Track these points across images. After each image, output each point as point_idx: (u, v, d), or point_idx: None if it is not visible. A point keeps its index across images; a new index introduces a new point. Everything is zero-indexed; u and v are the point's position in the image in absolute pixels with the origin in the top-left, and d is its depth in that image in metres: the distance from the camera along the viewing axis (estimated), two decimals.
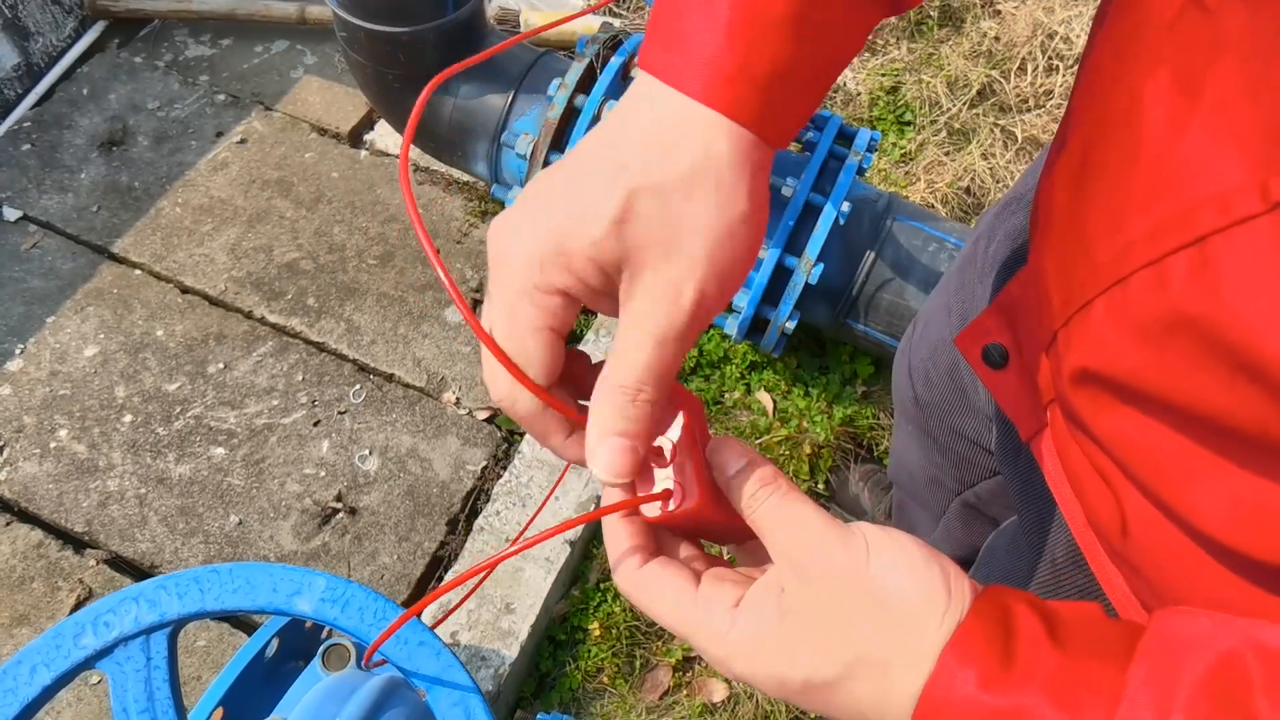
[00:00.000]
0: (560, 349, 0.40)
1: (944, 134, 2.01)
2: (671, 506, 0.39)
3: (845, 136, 1.46)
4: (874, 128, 2.05)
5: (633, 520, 0.41)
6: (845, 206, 1.37)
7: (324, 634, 1.10)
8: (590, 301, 0.40)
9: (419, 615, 0.59)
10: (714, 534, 0.43)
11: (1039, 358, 0.57)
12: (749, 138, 0.39)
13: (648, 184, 0.38)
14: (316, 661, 0.90)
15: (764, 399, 1.69)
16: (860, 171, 1.42)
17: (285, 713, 0.87)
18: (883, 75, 2.10)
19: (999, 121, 2.04)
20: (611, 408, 0.38)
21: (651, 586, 0.39)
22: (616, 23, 1.94)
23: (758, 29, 0.39)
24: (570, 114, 1.42)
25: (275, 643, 1.01)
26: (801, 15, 0.39)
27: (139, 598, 0.60)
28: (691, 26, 0.39)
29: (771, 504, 0.39)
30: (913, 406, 0.91)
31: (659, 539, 0.42)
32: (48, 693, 0.57)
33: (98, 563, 1.41)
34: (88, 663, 0.58)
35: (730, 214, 0.39)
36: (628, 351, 0.38)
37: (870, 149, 1.44)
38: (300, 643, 1.05)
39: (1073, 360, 0.47)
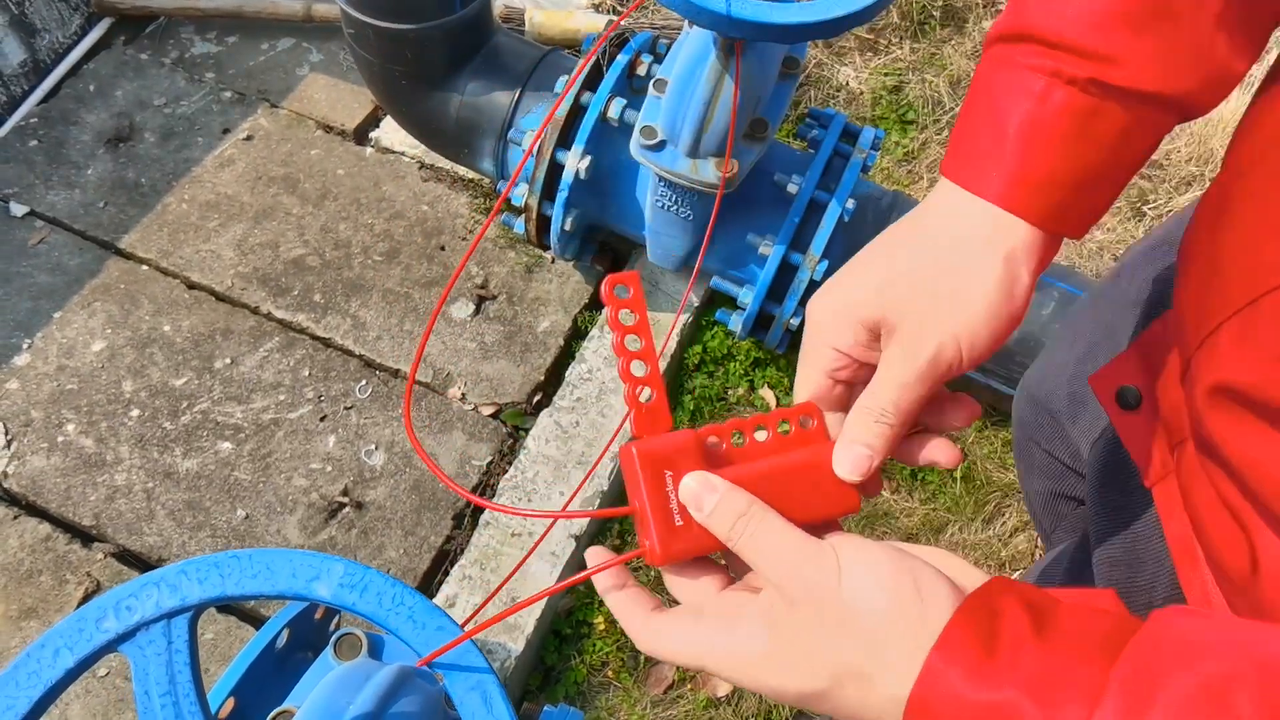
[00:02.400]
0: (827, 389, 0.52)
1: (946, 133, 2.01)
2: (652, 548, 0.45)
3: (850, 135, 1.47)
4: (877, 126, 2.06)
5: (623, 592, 0.47)
6: (850, 204, 1.38)
7: (333, 625, 1.11)
8: (863, 356, 0.51)
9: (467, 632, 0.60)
10: (711, 550, 0.46)
11: (1172, 393, 0.59)
12: (1024, 233, 0.50)
13: (915, 262, 0.50)
14: (328, 651, 0.91)
15: (767, 395, 1.70)
16: (865, 169, 1.43)
17: (297, 703, 0.87)
18: (886, 75, 2.11)
19: None
20: (859, 424, 0.49)
21: (660, 638, 0.44)
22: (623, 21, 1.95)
23: (1038, 145, 0.49)
24: (576, 111, 1.43)
25: (286, 634, 1.02)
26: (1082, 130, 0.49)
27: (160, 583, 0.60)
28: (982, 143, 0.51)
29: (749, 535, 0.43)
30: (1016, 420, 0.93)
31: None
32: (71, 675, 0.58)
33: (105, 556, 1.41)
34: (110, 646, 0.59)
35: (989, 296, 0.49)
36: (877, 385, 0.49)
37: (875, 147, 1.45)
38: (310, 634, 1.06)
39: (1207, 379, 0.48)
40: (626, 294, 0.47)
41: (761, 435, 0.48)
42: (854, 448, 0.49)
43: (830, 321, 0.51)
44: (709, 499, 0.44)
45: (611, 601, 0.47)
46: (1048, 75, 0.50)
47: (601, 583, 0.47)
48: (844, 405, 0.53)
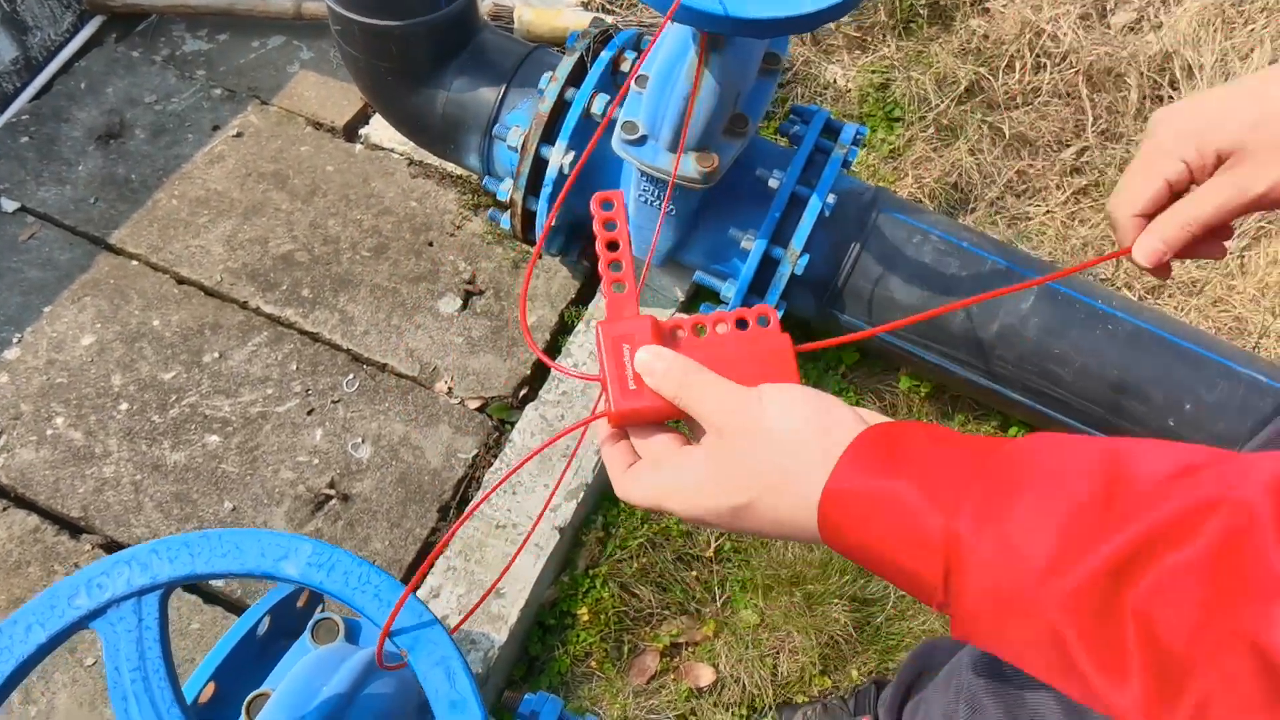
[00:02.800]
0: (1164, 194, 0.62)
1: (932, 130, 2.03)
2: (603, 408, 0.56)
3: (832, 130, 1.48)
4: (863, 123, 2.08)
5: (615, 446, 0.56)
6: (830, 199, 1.39)
7: (316, 612, 1.12)
8: (1202, 176, 0.61)
9: (415, 591, 0.61)
10: (670, 417, 0.55)
11: None
12: None
13: None
14: (305, 636, 0.92)
15: None
16: (846, 165, 1.44)
17: (274, 686, 0.89)
18: (873, 72, 2.12)
19: (987, 118, 2.06)
20: (1169, 225, 0.61)
21: (630, 482, 0.54)
22: (608, 19, 1.97)
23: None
24: (560, 107, 1.45)
25: (267, 621, 1.03)
26: None
27: (131, 561, 0.62)
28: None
29: (691, 390, 0.52)
30: None
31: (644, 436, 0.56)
32: (42, 650, 0.59)
33: (93, 548, 1.43)
34: (81, 623, 0.60)
35: None
36: (1200, 200, 0.59)
37: (856, 143, 1.46)
38: (292, 622, 1.08)
39: None
40: (610, 208, 0.58)
41: (723, 329, 0.56)
42: (1154, 242, 0.61)
43: (1191, 140, 0.60)
44: (659, 365, 0.53)
45: (605, 452, 0.57)
46: None
47: (602, 434, 0.57)
48: (1159, 208, 0.63)
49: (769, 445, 0.49)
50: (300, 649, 0.92)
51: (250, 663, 1.01)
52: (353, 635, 0.94)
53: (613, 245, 0.58)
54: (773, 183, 1.40)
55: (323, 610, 1.06)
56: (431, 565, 1.39)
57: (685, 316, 0.57)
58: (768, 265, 1.43)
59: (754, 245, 1.41)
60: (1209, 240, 0.63)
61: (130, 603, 0.61)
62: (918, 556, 0.43)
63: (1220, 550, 0.34)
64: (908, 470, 0.44)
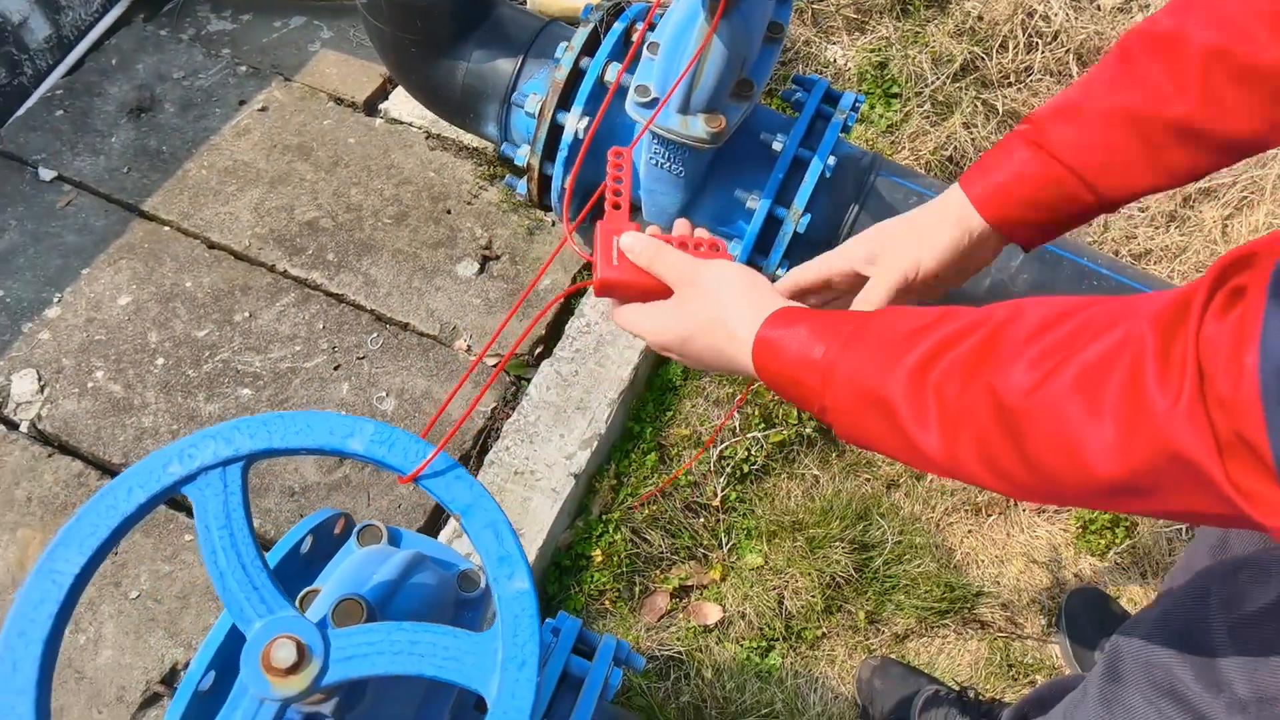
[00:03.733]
0: (833, 276, 0.90)
1: (928, 105, 2.11)
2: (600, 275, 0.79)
3: (831, 98, 1.57)
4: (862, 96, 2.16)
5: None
6: (831, 160, 1.47)
7: (356, 529, 1.20)
8: (862, 269, 0.88)
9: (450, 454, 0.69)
10: (636, 290, 0.79)
11: None
12: (980, 223, 0.83)
13: (904, 221, 0.88)
14: (352, 540, 1.00)
15: None
16: (845, 129, 1.52)
17: (322, 584, 0.97)
18: (871, 51, 2.21)
19: (980, 95, 2.15)
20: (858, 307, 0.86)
21: (627, 314, 0.79)
22: None
23: (1012, 182, 0.81)
24: (576, 75, 1.53)
25: (310, 540, 1.11)
26: (1040, 183, 0.81)
27: (216, 436, 0.70)
28: (985, 167, 0.83)
29: (659, 259, 0.76)
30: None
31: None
32: (143, 509, 0.68)
33: None
34: (175, 486, 0.69)
35: (943, 241, 0.84)
36: (870, 288, 0.85)
37: (854, 109, 1.54)
38: (329, 547, 1.16)
39: None
40: (619, 158, 0.88)
41: (701, 250, 0.79)
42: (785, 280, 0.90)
43: (850, 250, 0.88)
44: (638, 244, 0.77)
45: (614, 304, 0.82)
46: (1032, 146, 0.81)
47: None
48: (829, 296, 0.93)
49: (710, 297, 0.72)
50: (346, 552, 1.01)
51: (294, 579, 1.09)
52: (394, 541, 1.02)
53: (618, 180, 0.85)
54: (776, 145, 1.48)
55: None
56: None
57: (674, 237, 0.80)
58: (771, 225, 1.52)
59: (759, 205, 1.49)
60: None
61: (217, 471, 0.69)
62: (809, 373, 0.65)
63: (983, 341, 0.54)
64: (808, 323, 0.66)
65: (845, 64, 2.21)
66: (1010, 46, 2.21)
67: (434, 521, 1.54)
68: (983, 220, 0.83)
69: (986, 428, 0.52)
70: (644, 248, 0.77)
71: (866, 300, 0.85)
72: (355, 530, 1.00)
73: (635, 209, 1.66)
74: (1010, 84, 2.19)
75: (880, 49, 2.21)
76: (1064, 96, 0.82)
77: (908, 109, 2.11)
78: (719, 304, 0.72)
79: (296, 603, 0.96)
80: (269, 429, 0.71)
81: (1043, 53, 2.19)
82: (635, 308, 0.78)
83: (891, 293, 0.85)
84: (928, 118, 2.09)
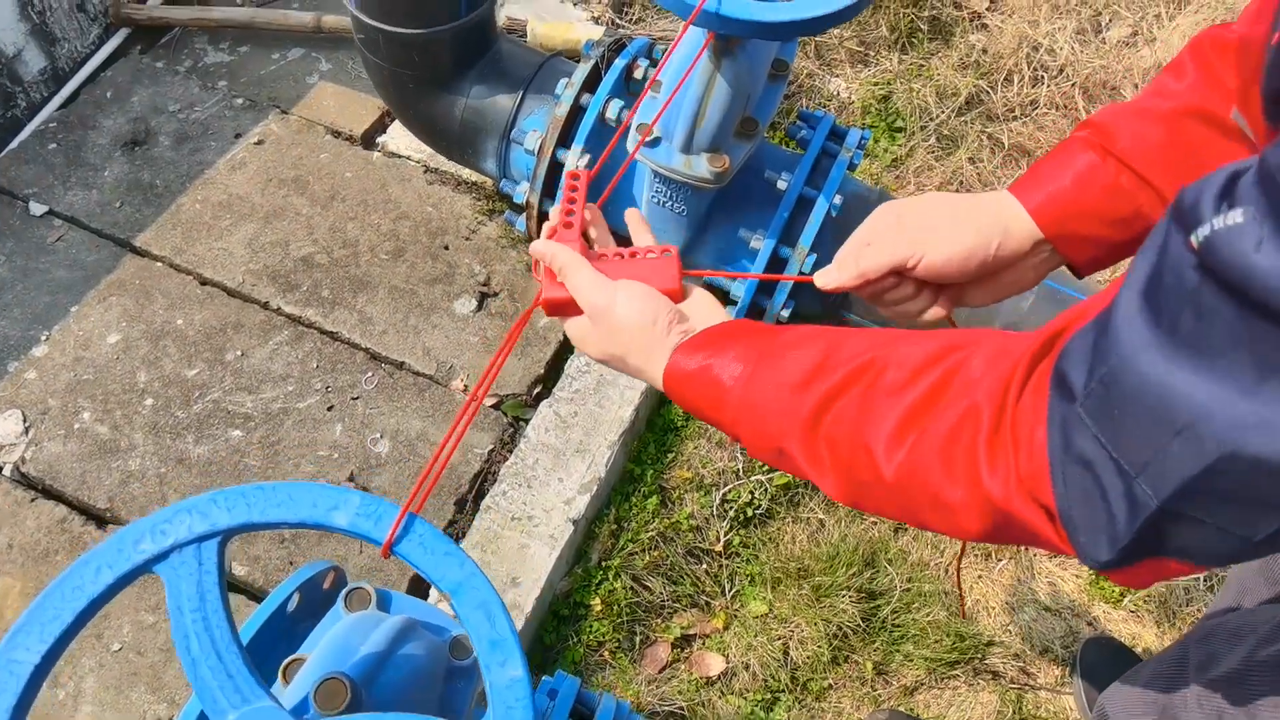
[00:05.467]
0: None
1: (933, 140, 2.09)
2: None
3: (837, 135, 1.54)
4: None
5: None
6: (837, 199, 1.44)
7: (344, 591, 1.16)
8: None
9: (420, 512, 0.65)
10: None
11: None
12: (1026, 230, 0.76)
13: (942, 203, 0.80)
14: (339, 604, 0.95)
15: None
16: (851, 167, 1.49)
17: (308, 651, 0.92)
18: (875, 85, 2.18)
19: (986, 129, 2.12)
20: (842, 260, 0.82)
21: (569, 326, 0.78)
22: (619, 31, 2.03)
23: (1076, 187, 0.75)
24: (576, 112, 1.50)
25: (297, 597, 1.07)
26: (1109, 191, 0.75)
27: (192, 510, 0.66)
28: (1042, 174, 0.78)
29: (568, 274, 0.75)
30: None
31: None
32: (110, 590, 0.63)
33: None
34: (146, 566, 0.64)
35: (964, 240, 0.77)
36: (866, 252, 0.80)
37: (860, 146, 1.51)
38: (319, 602, 1.11)
39: None
40: (577, 180, 0.84)
41: (636, 256, 0.77)
42: (830, 272, 0.81)
43: (867, 225, 0.82)
44: (549, 251, 0.76)
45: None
46: (1100, 151, 0.74)
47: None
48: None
49: (615, 326, 0.72)
50: (334, 616, 0.96)
51: (279, 639, 1.05)
52: (384, 604, 0.97)
53: (572, 200, 0.82)
54: (781, 184, 1.45)
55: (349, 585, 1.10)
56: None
57: (611, 249, 0.80)
58: (776, 264, 1.48)
59: (763, 245, 1.46)
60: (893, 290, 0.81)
61: (191, 548, 0.65)
62: (718, 411, 0.67)
63: (862, 396, 0.59)
64: (714, 355, 0.67)
65: (849, 97, 2.19)
66: (1015, 80, 2.18)
67: None
68: (1036, 231, 0.75)
69: (873, 486, 0.59)
70: (555, 256, 0.76)
71: (840, 269, 0.80)
72: (343, 593, 0.96)
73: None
74: (1015, 118, 2.16)
75: (884, 82, 2.19)
76: (1128, 103, 0.76)
77: (912, 143, 2.09)
78: (623, 329, 0.72)
79: (280, 672, 0.91)
80: (248, 501, 0.66)
81: (1048, 86, 2.17)
82: (574, 321, 0.78)
83: (880, 271, 0.78)
84: (932, 152, 2.07)
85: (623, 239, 0.84)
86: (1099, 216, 0.74)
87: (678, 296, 0.77)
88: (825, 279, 0.81)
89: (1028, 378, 0.52)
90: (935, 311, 0.81)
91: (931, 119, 2.10)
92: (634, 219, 0.85)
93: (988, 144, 2.10)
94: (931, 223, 0.77)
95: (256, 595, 1.45)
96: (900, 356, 0.59)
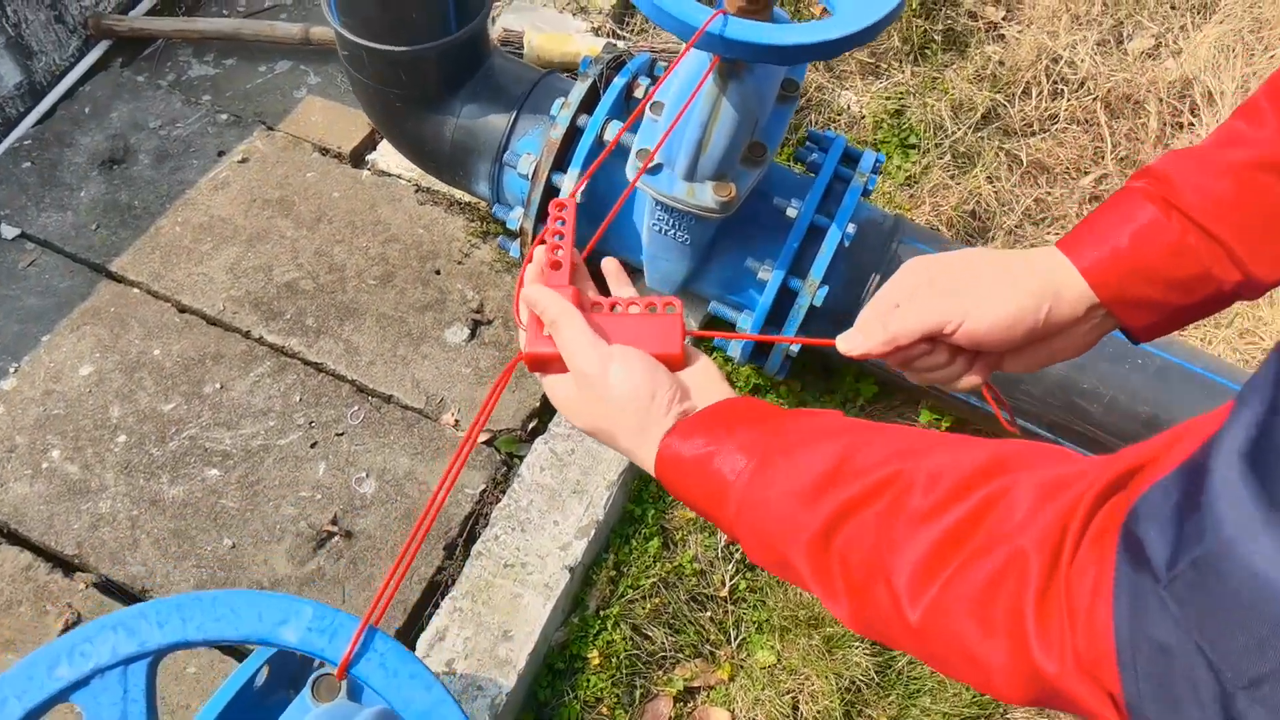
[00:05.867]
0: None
1: (949, 157, 2.00)
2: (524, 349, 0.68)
3: (850, 158, 1.45)
4: (878, 150, 2.04)
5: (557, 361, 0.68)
6: (850, 228, 1.35)
7: (316, 662, 1.07)
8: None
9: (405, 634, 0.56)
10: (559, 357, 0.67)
11: None
12: (1078, 291, 0.67)
13: (983, 259, 0.70)
14: (306, 692, 0.87)
15: None
16: (865, 193, 1.40)
17: None
18: (887, 98, 2.09)
19: (1004, 145, 2.03)
20: (867, 322, 0.71)
21: (548, 384, 0.67)
22: (620, 44, 1.94)
23: (1135, 245, 0.66)
24: (573, 134, 1.41)
25: (265, 671, 0.98)
26: (1173, 252, 0.65)
27: (118, 626, 0.57)
28: (1097, 230, 0.68)
29: (559, 330, 0.64)
30: None
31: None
32: None
33: (87, 586, 1.38)
34: (62, 695, 0.56)
35: (1009, 304, 0.68)
36: (898, 313, 0.69)
37: (875, 170, 1.42)
38: (291, 670, 1.03)
39: None
40: (563, 210, 0.72)
41: (635, 310, 0.66)
42: (855, 336, 0.70)
43: (899, 281, 0.71)
44: (540, 298, 0.65)
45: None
46: (1162, 204, 0.65)
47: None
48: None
49: (606, 398, 0.62)
50: (300, 707, 0.87)
51: (248, 714, 0.96)
52: (354, 693, 0.89)
53: (559, 236, 0.70)
54: (791, 212, 1.36)
55: (320, 662, 1.01)
56: (383, 604, 1.33)
57: (606, 299, 0.67)
58: (785, 296, 1.39)
59: (771, 276, 1.37)
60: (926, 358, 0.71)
61: (116, 672, 0.56)
62: (716, 508, 0.58)
63: (883, 516, 0.50)
64: (715, 442, 0.58)
65: (859, 111, 2.10)
66: (1034, 93, 2.09)
67: (415, 619, 1.41)
68: (1090, 294, 0.66)
69: (892, 623, 0.50)
70: (547, 307, 0.65)
71: (866, 333, 0.69)
72: (310, 680, 0.87)
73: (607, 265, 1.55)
74: (1034, 133, 2.07)
75: (897, 95, 2.10)
76: (1193, 149, 0.67)
77: (926, 160, 2.00)
78: (607, 416, 0.63)
79: None
80: (183, 615, 0.58)
81: (1068, 100, 2.08)
82: (558, 380, 0.67)
83: (913, 337, 0.68)
84: (948, 170, 1.97)
85: (630, 266, 0.74)
86: (1161, 279, 0.65)
87: (678, 362, 0.67)
88: (850, 344, 0.71)
89: (1087, 524, 0.43)
90: (970, 380, 0.72)
91: (947, 135, 2.01)
92: (612, 271, 0.72)
93: (1006, 161, 2.00)
94: (971, 283, 0.67)
95: (234, 650, 1.36)
96: (930, 473, 0.50)
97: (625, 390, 0.62)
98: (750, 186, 1.28)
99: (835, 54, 1.03)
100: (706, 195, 1.25)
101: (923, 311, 0.68)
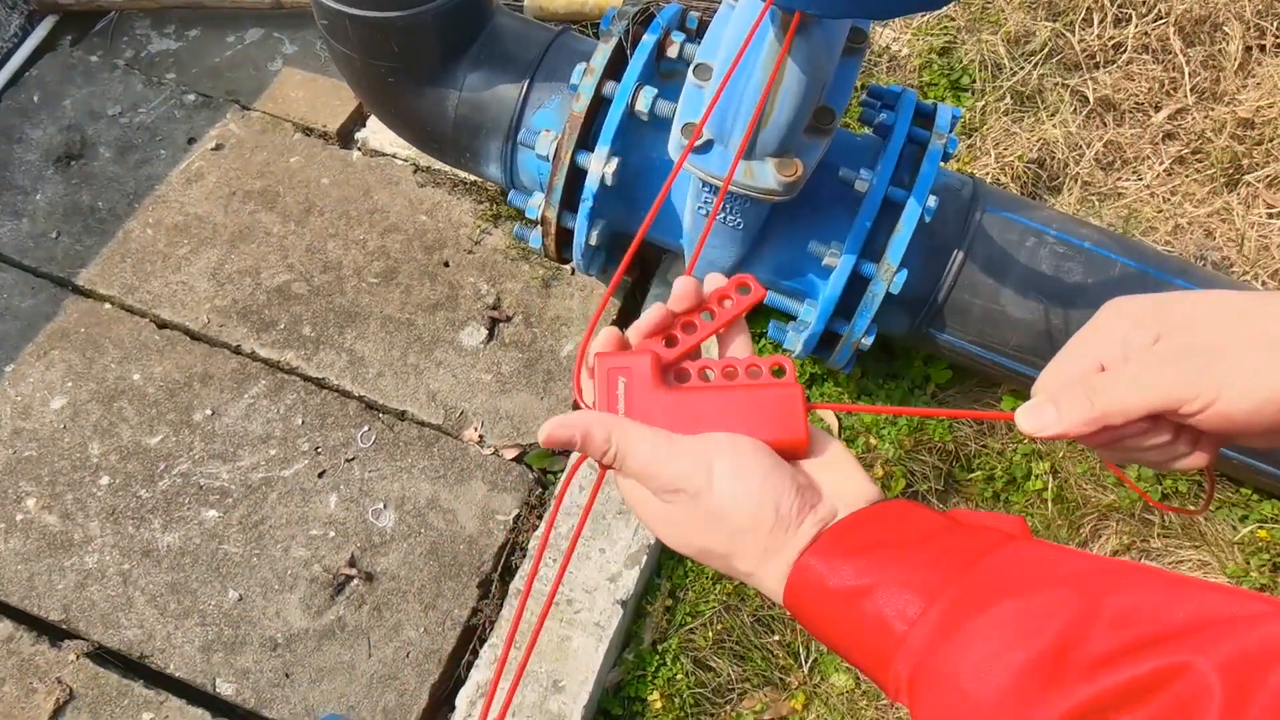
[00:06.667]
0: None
1: (1008, 100, 1.78)
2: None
3: (923, 115, 1.24)
4: (925, 95, 1.83)
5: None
6: (931, 201, 1.16)
7: None
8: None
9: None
10: None
11: None
12: None
13: (1250, 303, 0.49)
14: None
15: (828, 416, 1.49)
16: (944, 158, 1.20)
17: None
18: (932, 35, 1.87)
19: (1066, 81, 1.81)
20: (1072, 397, 0.51)
21: (625, 488, 0.52)
22: None
23: None
24: (598, 104, 1.21)
25: None
26: None
27: None
28: None
29: (633, 472, 0.49)
30: None
31: None
32: None
33: (78, 656, 1.21)
34: None
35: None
36: (1118, 381, 0.50)
37: (954, 129, 1.22)
38: None
39: None
40: (747, 292, 0.54)
41: (734, 377, 0.52)
42: (1046, 410, 0.51)
43: (1107, 327, 0.52)
44: (585, 428, 0.49)
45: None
46: None
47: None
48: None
49: (717, 522, 0.48)
50: None
51: None
52: None
53: (690, 326, 0.53)
54: (860, 185, 1.16)
55: None
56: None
57: (694, 362, 0.52)
58: (856, 282, 1.20)
59: (840, 261, 1.18)
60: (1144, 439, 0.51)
61: None
62: (879, 667, 0.44)
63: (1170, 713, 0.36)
64: (871, 571, 0.44)
65: (901, 50, 1.87)
66: (1096, 20, 1.86)
67: (451, 671, 1.25)
68: None
69: None
70: (614, 453, 0.50)
71: (1064, 408, 0.50)
72: None
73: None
74: (1099, 65, 1.85)
75: (943, 31, 1.87)
76: None
77: (983, 103, 1.78)
78: (716, 536, 0.49)
79: None
80: None
81: (1136, 26, 1.85)
82: (637, 488, 0.51)
83: (1131, 416, 0.49)
84: (1010, 114, 1.76)
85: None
86: None
87: (802, 449, 0.51)
88: (1039, 422, 0.51)
89: None
90: (1195, 461, 0.53)
91: (1004, 74, 1.79)
92: (687, 293, 0.54)
93: (1070, 99, 1.79)
94: (1214, 344, 0.48)
95: (247, 718, 1.20)
96: (1227, 657, 0.34)
97: (739, 501, 0.48)
98: (817, 160, 1.08)
99: (940, 5, 0.82)
100: (767, 175, 1.05)
101: (1152, 384, 0.49)
